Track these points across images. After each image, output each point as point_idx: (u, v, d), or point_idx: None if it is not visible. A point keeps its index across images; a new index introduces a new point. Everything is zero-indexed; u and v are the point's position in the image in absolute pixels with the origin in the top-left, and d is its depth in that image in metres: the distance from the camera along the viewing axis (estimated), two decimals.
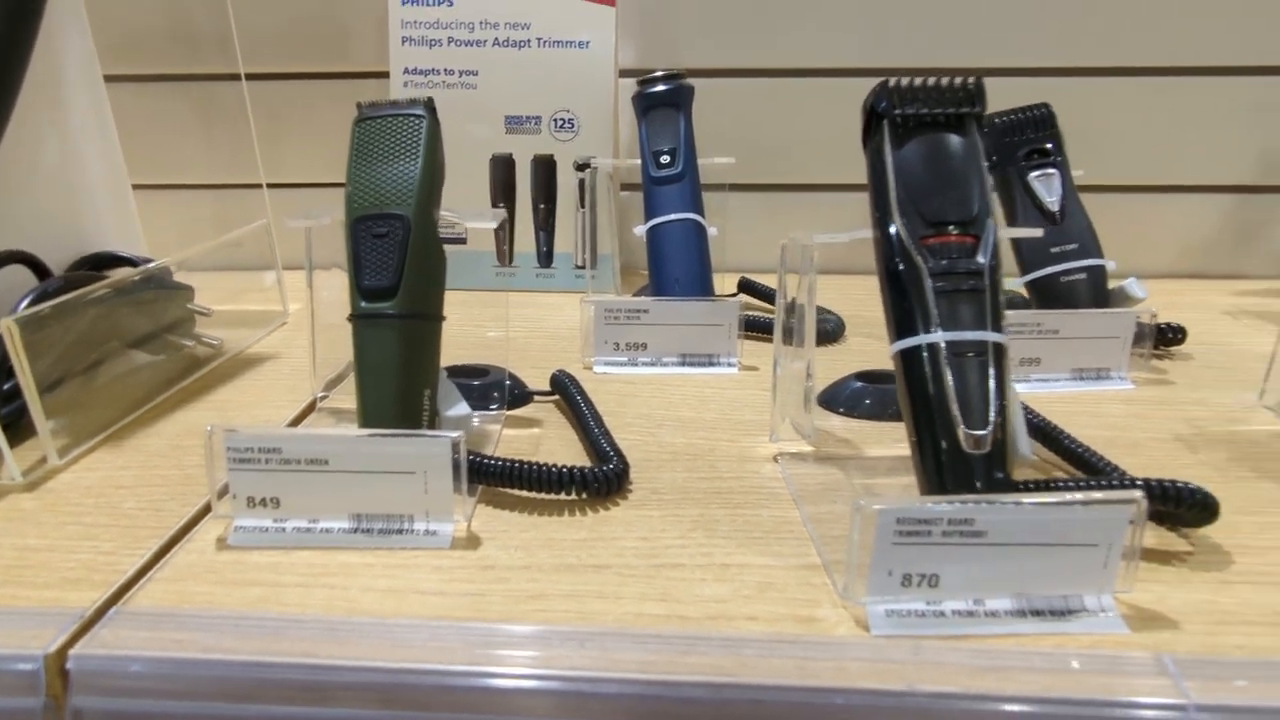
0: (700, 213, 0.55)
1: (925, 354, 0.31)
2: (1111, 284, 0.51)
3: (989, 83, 0.35)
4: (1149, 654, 0.26)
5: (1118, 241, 0.70)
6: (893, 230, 0.33)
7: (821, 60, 0.69)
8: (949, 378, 0.30)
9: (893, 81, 0.34)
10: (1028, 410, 0.40)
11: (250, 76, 0.74)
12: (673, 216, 0.54)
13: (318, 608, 0.28)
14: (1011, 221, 0.52)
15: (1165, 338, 0.52)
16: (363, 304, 0.35)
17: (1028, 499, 0.28)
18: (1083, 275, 0.50)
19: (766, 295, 0.61)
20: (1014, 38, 0.67)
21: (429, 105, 0.38)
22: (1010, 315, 0.51)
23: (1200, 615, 0.28)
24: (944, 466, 0.30)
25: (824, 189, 0.72)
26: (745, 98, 0.70)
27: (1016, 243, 0.52)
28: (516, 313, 0.62)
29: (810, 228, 0.38)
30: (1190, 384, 0.49)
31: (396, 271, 0.35)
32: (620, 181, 0.70)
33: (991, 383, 0.30)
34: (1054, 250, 0.50)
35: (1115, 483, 0.33)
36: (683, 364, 0.50)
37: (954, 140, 0.34)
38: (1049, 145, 0.52)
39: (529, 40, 0.63)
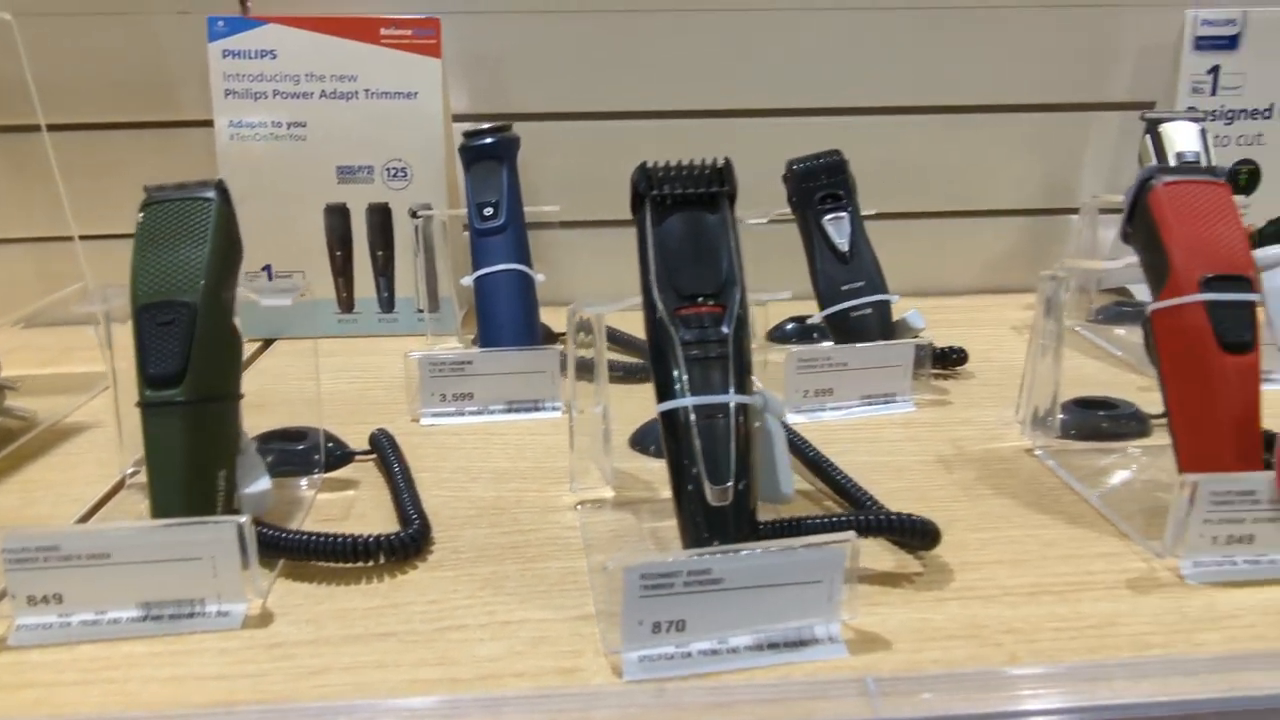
0: (526, 261, 0.57)
1: (679, 416, 0.34)
2: (896, 315, 0.56)
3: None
4: (855, 676, 0.31)
5: (928, 263, 0.78)
6: (653, 302, 0.36)
7: (651, 104, 0.72)
8: (696, 439, 0.34)
9: (651, 163, 0.38)
10: (804, 445, 0.45)
11: (73, 127, 0.71)
12: (497, 267, 0.56)
13: (93, 706, 0.29)
14: (810, 261, 0.57)
15: (948, 359, 0.59)
16: (148, 392, 0.36)
17: (757, 547, 0.32)
18: (869, 310, 0.55)
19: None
20: (835, 79, 0.73)
21: (220, 187, 0.39)
22: (804, 351, 0.56)
23: (911, 634, 0.33)
24: (697, 518, 0.34)
25: None
26: (578, 139, 0.73)
27: (815, 281, 0.57)
28: (357, 360, 0.63)
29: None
30: (964, 403, 0.55)
31: (182, 358, 0.36)
32: (464, 223, 0.72)
33: (733, 443, 0.34)
34: (845, 288, 0.55)
35: (852, 518, 0.37)
36: (509, 411, 0.53)
37: (706, 217, 0.37)
38: (840, 191, 0.57)
39: (356, 92, 0.64)
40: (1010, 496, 0.43)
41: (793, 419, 0.52)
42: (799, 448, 0.45)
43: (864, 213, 0.59)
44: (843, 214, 0.57)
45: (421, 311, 0.65)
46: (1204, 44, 0.69)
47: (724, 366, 0.35)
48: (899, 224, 0.73)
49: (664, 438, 0.35)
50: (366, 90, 0.64)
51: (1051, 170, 0.77)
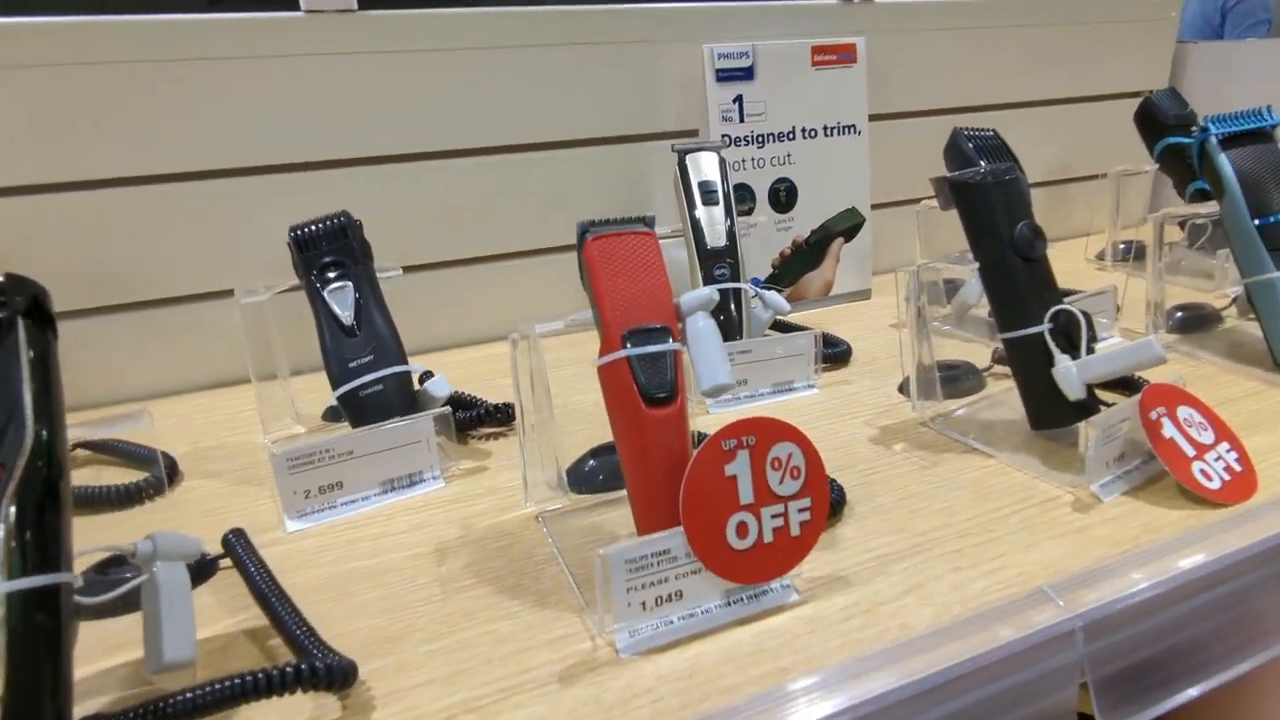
0: None
1: None
2: (420, 385, 0.53)
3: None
4: None
5: (460, 313, 0.74)
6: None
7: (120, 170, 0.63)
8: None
9: None
10: (259, 575, 0.39)
11: None
12: None
13: None
14: (319, 338, 0.52)
15: (494, 418, 0.56)
16: None
17: None
18: (380, 385, 0.50)
19: None
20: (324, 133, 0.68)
21: None
22: (294, 449, 0.49)
23: None
24: None
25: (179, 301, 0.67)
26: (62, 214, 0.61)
27: (324, 359, 0.51)
28: None
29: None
30: (504, 470, 0.53)
31: None
32: None
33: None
34: (352, 365, 0.50)
35: (241, 681, 0.32)
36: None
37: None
38: (342, 258, 0.52)
39: None
40: (491, 582, 0.41)
41: (295, 527, 0.46)
42: (252, 580, 0.39)
43: (384, 273, 0.55)
44: (345, 282, 0.52)
45: None
46: (724, 75, 0.73)
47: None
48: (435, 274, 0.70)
49: None
50: None
51: (619, 202, 0.78)
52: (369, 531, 0.46)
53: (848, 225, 0.81)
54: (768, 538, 0.37)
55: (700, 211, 0.64)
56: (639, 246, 0.42)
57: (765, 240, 0.78)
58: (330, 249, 0.52)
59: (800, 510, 0.38)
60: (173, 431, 0.58)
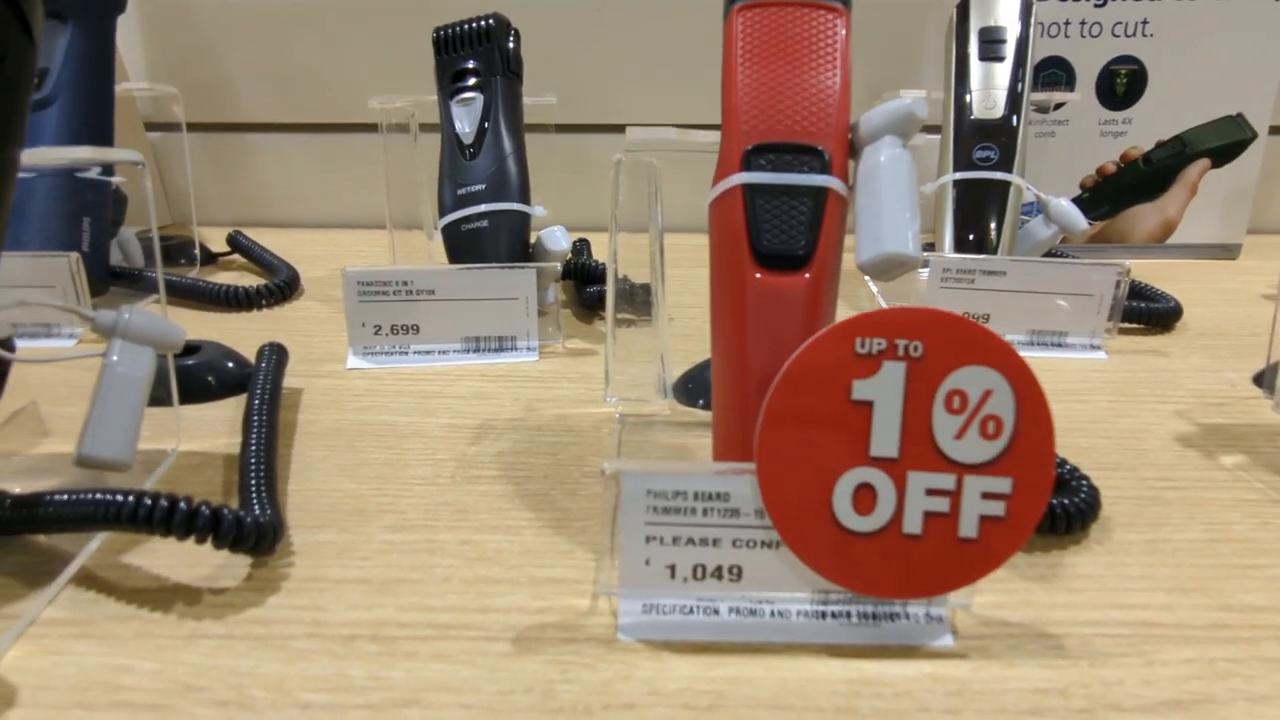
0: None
1: None
2: (537, 233, 0.42)
3: None
4: None
5: None
6: None
7: None
8: None
9: None
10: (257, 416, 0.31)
11: None
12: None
13: None
14: (440, 155, 0.43)
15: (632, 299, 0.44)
16: None
17: None
18: (483, 222, 0.40)
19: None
20: None
21: None
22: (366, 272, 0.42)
23: None
24: None
25: None
26: None
27: (439, 185, 0.43)
28: None
29: None
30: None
31: None
32: None
33: None
34: (461, 192, 0.41)
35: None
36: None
37: None
38: (481, 67, 0.42)
39: None
40: (517, 482, 0.29)
41: (356, 364, 0.39)
42: (250, 403, 0.32)
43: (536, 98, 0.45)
44: (475, 95, 0.42)
45: None
46: None
47: None
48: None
49: None
50: None
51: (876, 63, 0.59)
52: (427, 388, 0.37)
53: (1222, 143, 0.54)
54: (912, 526, 0.21)
55: (975, 69, 0.44)
56: (815, 26, 0.26)
57: (1079, 145, 0.54)
58: (470, 54, 0.43)
59: (990, 495, 0.21)
60: (324, 255, 0.55)
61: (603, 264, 0.47)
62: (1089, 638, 0.22)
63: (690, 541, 0.22)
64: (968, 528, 0.21)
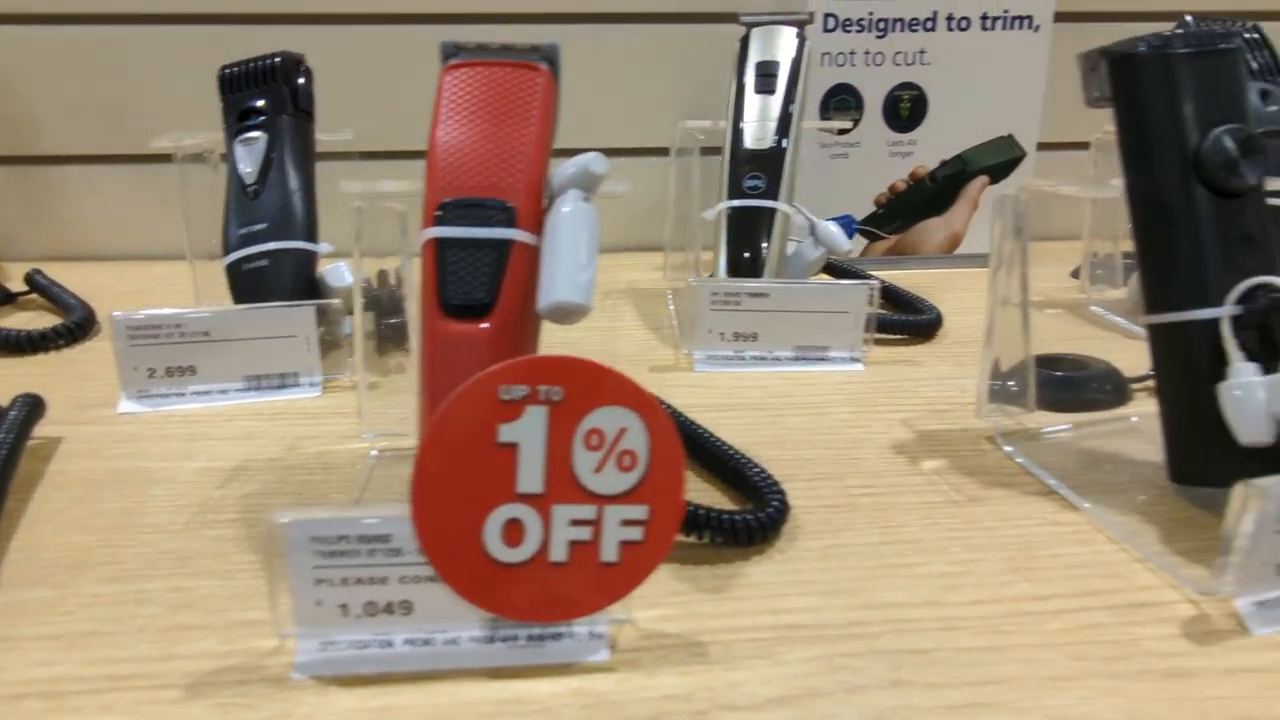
0: None
1: None
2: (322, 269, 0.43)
3: None
4: None
5: None
6: None
7: None
8: None
9: None
10: None
11: None
12: None
13: None
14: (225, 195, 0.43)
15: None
16: None
17: None
18: (265, 261, 0.41)
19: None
20: None
21: None
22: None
23: None
24: None
25: None
26: None
27: (224, 224, 0.43)
28: None
29: None
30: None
31: None
32: None
33: None
34: (242, 232, 0.41)
35: None
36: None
37: None
38: (267, 105, 0.43)
39: None
40: (252, 525, 0.30)
41: (129, 408, 0.39)
42: None
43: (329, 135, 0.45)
44: (258, 134, 0.43)
45: None
46: None
47: None
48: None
49: None
50: None
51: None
52: (196, 429, 0.37)
53: (997, 161, 0.59)
54: (558, 555, 0.23)
55: (749, 101, 0.47)
56: (517, 85, 0.28)
57: (871, 165, 0.58)
58: (256, 92, 0.43)
59: (629, 522, 0.23)
60: (129, 291, 0.54)
61: (403, 293, 0.48)
62: (732, 643, 0.24)
63: (359, 581, 0.23)
64: (609, 552, 0.23)
